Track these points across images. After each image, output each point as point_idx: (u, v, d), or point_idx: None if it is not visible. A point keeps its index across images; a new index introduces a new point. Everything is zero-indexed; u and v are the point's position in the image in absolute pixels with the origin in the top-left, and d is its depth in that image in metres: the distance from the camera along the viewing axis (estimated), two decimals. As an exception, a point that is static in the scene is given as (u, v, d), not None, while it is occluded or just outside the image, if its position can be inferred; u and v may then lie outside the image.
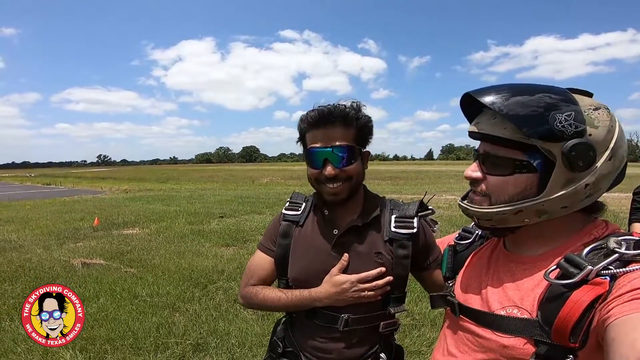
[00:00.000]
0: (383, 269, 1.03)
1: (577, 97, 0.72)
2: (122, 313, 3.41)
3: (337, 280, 1.01)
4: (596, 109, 0.70)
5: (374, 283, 1.02)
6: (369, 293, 1.01)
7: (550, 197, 0.70)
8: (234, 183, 25.21)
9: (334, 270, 1.03)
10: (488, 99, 0.72)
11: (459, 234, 1.03)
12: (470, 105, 0.82)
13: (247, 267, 1.20)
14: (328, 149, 0.99)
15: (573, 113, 0.68)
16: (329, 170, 0.99)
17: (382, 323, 1.05)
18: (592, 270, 0.62)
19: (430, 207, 1.13)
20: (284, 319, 1.21)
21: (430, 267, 1.10)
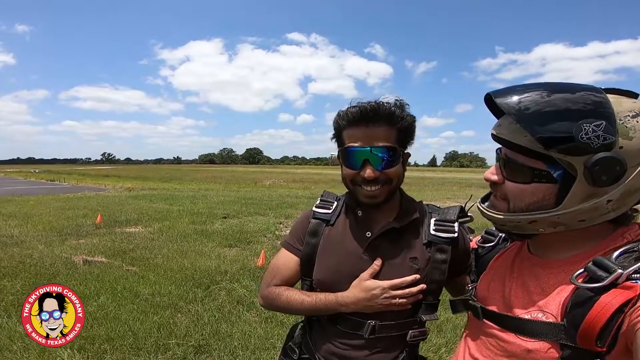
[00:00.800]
0: (418, 275, 0.96)
1: (617, 99, 0.65)
2: (123, 312, 3.34)
3: (367, 286, 0.94)
4: (635, 115, 0.63)
5: (407, 290, 0.94)
6: (401, 301, 0.94)
7: (567, 211, 0.67)
8: (236, 184, 25.19)
9: (365, 274, 0.96)
10: (507, 105, 0.67)
11: (482, 236, 1.00)
12: (494, 107, 0.77)
13: (270, 266, 1.14)
14: (368, 149, 0.92)
15: (604, 123, 0.61)
16: (368, 172, 0.92)
17: (410, 331, 0.98)
18: (622, 273, 0.59)
19: (469, 215, 1.05)
20: (301, 324, 1.15)
21: (463, 273, 1.05)
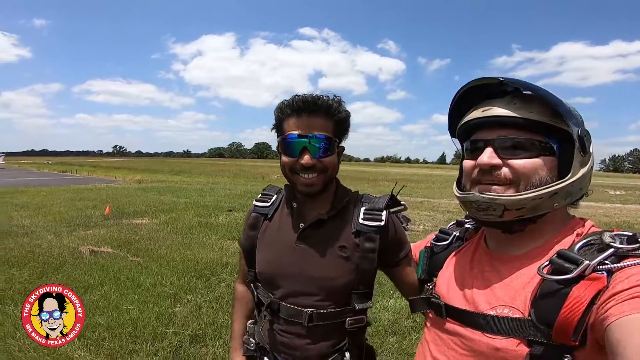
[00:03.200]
0: None
1: None
2: (124, 302, 3.44)
3: None
4: None
5: None
6: None
7: (576, 178, 0.71)
8: (244, 178, 25.34)
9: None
10: (517, 82, 0.74)
11: (436, 235, 1.01)
12: (468, 97, 0.81)
13: (238, 260, 1.25)
14: (307, 138, 0.96)
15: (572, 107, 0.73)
16: (306, 159, 0.96)
17: (348, 319, 1.01)
18: (589, 265, 0.61)
19: (402, 203, 1.10)
20: (253, 315, 1.20)
21: (400, 264, 1.06)
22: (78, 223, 7.17)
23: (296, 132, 0.97)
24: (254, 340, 1.13)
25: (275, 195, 1.16)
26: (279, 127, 1.03)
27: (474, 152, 0.77)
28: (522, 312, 0.67)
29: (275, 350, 1.06)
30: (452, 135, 0.88)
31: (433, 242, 0.99)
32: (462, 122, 0.81)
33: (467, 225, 0.98)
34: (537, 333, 0.63)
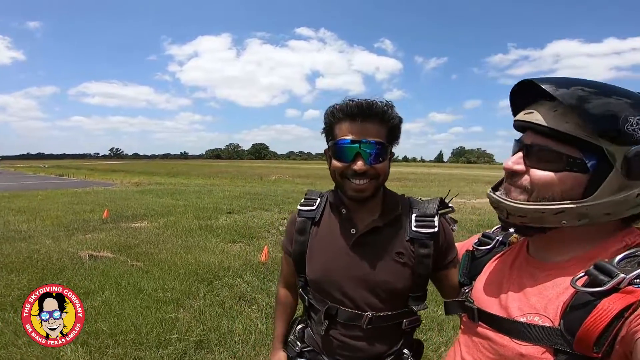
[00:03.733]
0: None
1: None
2: (127, 307, 3.38)
3: None
4: None
5: None
6: None
7: (598, 202, 0.65)
8: (242, 179, 25.28)
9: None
10: (554, 89, 0.67)
11: (479, 239, 0.99)
12: (523, 95, 0.77)
13: (281, 263, 1.29)
14: (361, 144, 0.95)
15: None
16: (359, 165, 0.95)
17: (405, 320, 1.05)
18: (624, 278, 0.58)
19: (450, 205, 1.10)
20: (302, 317, 1.21)
21: (447, 267, 1.07)
22: (76, 227, 7.09)
23: (349, 138, 0.96)
24: (299, 344, 1.15)
25: (319, 199, 1.15)
26: (329, 131, 1.01)
27: (514, 151, 0.76)
28: (552, 321, 0.66)
29: (331, 353, 1.07)
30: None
31: (475, 247, 0.98)
32: (514, 120, 0.79)
33: (511, 230, 0.95)
34: (563, 342, 0.62)
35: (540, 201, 0.69)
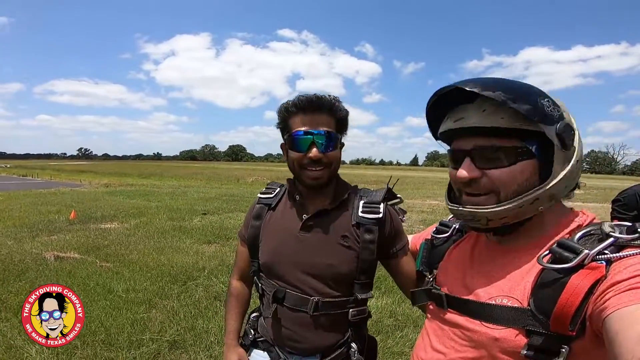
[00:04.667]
0: None
1: None
2: (95, 308, 3.25)
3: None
4: (555, 98, 0.73)
5: None
6: None
7: (559, 179, 0.70)
8: (218, 181, 24.87)
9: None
10: (481, 89, 0.69)
11: (436, 228, 1.01)
12: (442, 104, 0.79)
13: (235, 254, 1.28)
14: (312, 134, 1.01)
15: (549, 99, 0.70)
16: (314, 152, 1.01)
17: (351, 310, 1.06)
18: (588, 254, 0.61)
19: (398, 195, 1.16)
20: (257, 307, 1.21)
21: (397, 255, 1.10)
22: (41, 228, 6.76)
23: (303, 129, 1.02)
24: (253, 332, 1.15)
25: (279, 189, 1.21)
26: (284, 126, 1.07)
27: (456, 161, 0.77)
28: (520, 302, 0.67)
29: (280, 342, 1.08)
30: (436, 138, 0.86)
31: (433, 235, 1.00)
32: (439, 132, 0.81)
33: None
34: (535, 323, 0.63)
35: (511, 198, 0.70)
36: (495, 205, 0.71)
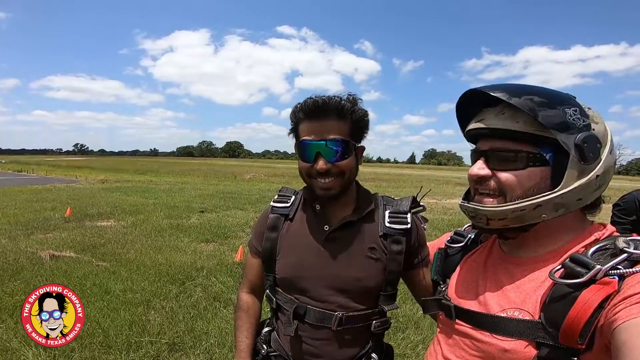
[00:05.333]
0: None
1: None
2: (92, 309, 3.19)
3: None
4: (590, 108, 0.73)
5: None
6: None
7: (568, 189, 0.68)
8: (215, 178, 24.77)
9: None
10: (501, 93, 0.71)
11: (451, 237, 1.00)
12: (468, 105, 0.81)
13: (244, 264, 1.19)
14: (321, 142, 0.93)
15: (578, 108, 0.70)
16: (320, 164, 0.94)
17: (374, 322, 1.01)
18: (600, 269, 0.61)
19: (422, 204, 1.11)
20: (268, 320, 1.15)
21: (419, 266, 1.06)
22: (36, 226, 6.66)
23: (309, 138, 0.95)
24: (266, 347, 1.08)
25: (294, 197, 1.11)
26: (295, 132, 1.00)
27: (473, 160, 0.79)
28: (532, 315, 0.67)
29: (298, 358, 1.02)
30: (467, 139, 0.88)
31: (447, 244, 0.99)
32: (466, 131, 0.82)
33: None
34: (545, 335, 0.63)
35: (516, 200, 0.71)
36: (495, 206, 0.72)
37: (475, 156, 0.77)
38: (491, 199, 0.74)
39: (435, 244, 1.09)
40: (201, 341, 2.79)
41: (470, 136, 0.81)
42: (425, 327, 3.14)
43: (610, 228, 0.74)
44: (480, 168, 0.74)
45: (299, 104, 0.97)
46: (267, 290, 1.09)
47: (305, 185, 1.06)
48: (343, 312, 0.97)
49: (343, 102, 0.94)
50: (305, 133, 0.95)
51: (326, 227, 1.01)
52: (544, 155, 0.70)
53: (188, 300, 3.56)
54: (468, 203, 0.77)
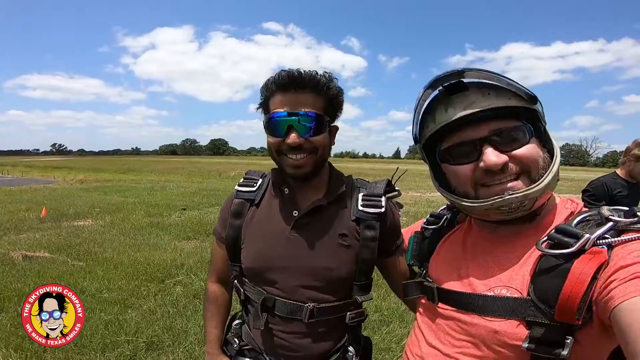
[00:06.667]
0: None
1: None
2: (66, 310, 3.09)
3: None
4: None
5: None
6: None
7: (558, 154, 0.70)
8: (199, 176, 24.41)
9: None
10: (491, 76, 0.70)
11: (427, 219, 0.97)
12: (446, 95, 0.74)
13: (211, 254, 1.15)
14: (294, 116, 0.87)
15: None
16: (292, 138, 0.87)
17: (348, 313, 0.96)
18: (589, 238, 0.58)
19: (397, 189, 1.04)
20: (239, 313, 1.09)
21: (394, 253, 1.00)
22: (9, 227, 6.43)
23: (283, 110, 0.87)
24: (237, 341, 1.03)
25: (261, 180, 1.04)
26: (265, 106, 0.93)
27: (462, 156, 0.71)
28: (520, 292, 0.64)
29: (273, 352, 0.96)
30: (416, 142, 0.83)
31: (424, 226, 0.95)
32: (441, 125, 0.72)
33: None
34: (537, 313, 0.60)
35: (542, 172, 0.68)
36: (539, 183, 0.66)
37: (463, 150, 0.71)
38: (517, 182, 0.68)
39: (410, 229, 1.05)
40: (180, 339, 2.74)
41: (437, 133, 0.74)
42: (411, 320, 3.14)
43: (580, 202, 0.73)
44: (497, 155, 0.67)
45: (271, 77, 0.91)
46: (235, 281, 1.03)
47: (275, 168, 1.00)
48: (314, 304, 0.92)
49: (319, 76, 0.89)
50: (277, 106, 0.89)
51: (295, 213, 0.95)
52: (531, 127, 0.70)
53: (167, 298, 3.49)
54: (507, 195, 0.66)
